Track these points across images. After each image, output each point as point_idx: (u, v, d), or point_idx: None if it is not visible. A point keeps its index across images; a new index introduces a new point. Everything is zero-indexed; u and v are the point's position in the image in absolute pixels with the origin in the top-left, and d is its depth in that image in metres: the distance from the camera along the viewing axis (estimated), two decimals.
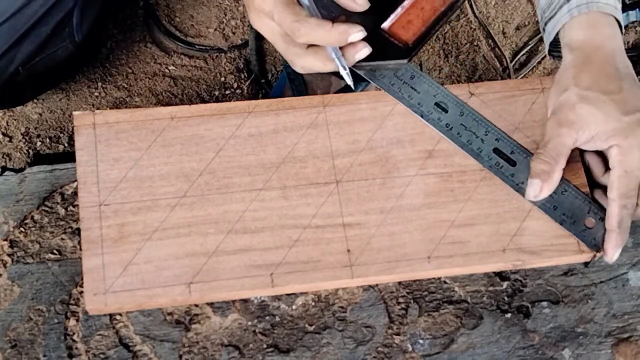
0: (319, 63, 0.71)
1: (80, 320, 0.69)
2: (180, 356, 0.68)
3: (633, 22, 1.50)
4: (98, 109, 1.28)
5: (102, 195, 0.70)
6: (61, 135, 1.27)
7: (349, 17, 0.73)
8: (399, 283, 0.72)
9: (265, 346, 0.69)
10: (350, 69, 0.72)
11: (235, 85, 1.37)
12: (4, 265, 0.70)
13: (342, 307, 0.71)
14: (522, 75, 1.48)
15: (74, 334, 0.68)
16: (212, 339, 0.69)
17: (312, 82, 1.10)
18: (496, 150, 0.74)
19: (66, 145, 1.26)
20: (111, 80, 1.29)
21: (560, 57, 0.77)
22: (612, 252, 0.70)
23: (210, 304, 0.70)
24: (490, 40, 1.50)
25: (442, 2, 0.77)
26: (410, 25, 0.76)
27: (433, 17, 0.76)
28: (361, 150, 0.74)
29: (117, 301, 0.66)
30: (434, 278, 0.73)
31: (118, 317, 0.69)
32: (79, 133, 0.72)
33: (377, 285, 0.72)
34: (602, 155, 0.73)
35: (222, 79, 1.35)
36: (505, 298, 0.73)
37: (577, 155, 0.74)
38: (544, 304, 0.72)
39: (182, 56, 1.36)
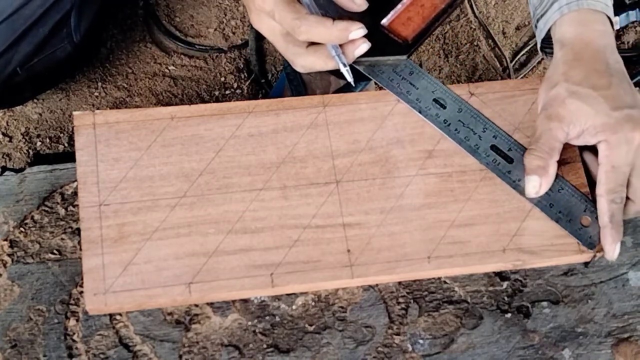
0: (319, 61, 0.71)
1: (80, 320, 0.69)
2: (180, 356, 0.68)
3: (633, 22, 1.50)
4: (98, 109, 1.28)
5: (102, 195, 0.70)
6: (61, 135, 1.27)
7: (346, 13, 0.73)
8: (399, 283, 0.72)
9: (265, 346, 0.69)
10: (350, 66, 0.72)
11: (235, 85, 1.37)
12: (4, 265, 0.70)
13: (342, 307, 0.71)
14: (522, 75, 1.48)
15: (74, 334, 0.68)
16: (212, 339, 0.69)
17: (311, 82, 1.10)
18: (494, 147, 0.74)
19: (66, 145, 1.26)
20: (111, 80, 1.29)
21: (552, 54, 0.77)
22: (610, 249, 0.70)
23: (210, 304, 0.70)
24: (490, 40, 1.50)
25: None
26: (410, 22, 0.76)
27: (433, 14, 0.77)
28: (361, 150, 0.74)
29: (117, 301, 0.66)
30: (434, 278, 0.73)
31: (118, 317, 0.69)
32: (79, 133, 0.72)
33: (377, 285, 0.72)
34: (597, 153, 0.73)
35: (222, 79, 1.35)
36: (505, 298, 0.73)
37: (577, 155, 0.75)
38: (544, 304, 0.72)
39: (182, 56, 1.36)
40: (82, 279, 0.68)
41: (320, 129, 0.74)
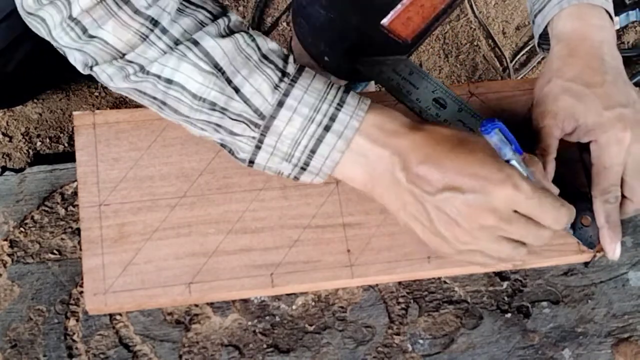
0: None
1: (80, 320, 0.69)
2: (180, 356, 0.68)
3: (633, 22, 1.50)
4: (98, 108, 1.28)
5: (102, 195, 0.69)
6: (61, 135, 1.27)
7: (347, 13, 0.73)
8: (399, 283, 0.72)
9: (265, 346, 0.69)
10: (350, 66, 0.72)
11: None
12: (4, 265, 0.70)
13: (342, 307, 0.71)
14: (522, 75, 1.48)
15: (74, 334, 0.68)
16: (212, 339, 0.69)
17: None
18: None
19: (66, 145, 1.26)
20: None
21: (549, 50, 0.76)
22: (610, 249, 0.70)
23: (210, 304, 0.70)
24: (490, 40, 1.50)
25: (442, 0, 0.77)
26: (409, 22, 0.76)
27: (433, 14, 0.77)
28: None
29: (117, 301, 0.66)
30: (434, 278, 0.73)
31: (118, 317, 0.69)
32: (79, 133, 0.72)
33: (377, 285, 0.72)
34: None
35: None
36: (505, 298, 0.72)
37: (577, 156, 0.74)
38: (544, 304, 0.72)
39: None
40: (82, 279, 0.68)
41: None
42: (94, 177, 0.70)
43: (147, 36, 0.60)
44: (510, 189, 0.60)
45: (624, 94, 0.71)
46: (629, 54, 1.49)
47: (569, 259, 0.73)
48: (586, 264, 0.74)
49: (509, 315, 0.72)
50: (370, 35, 0.72)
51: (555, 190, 0.66)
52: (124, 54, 0.61)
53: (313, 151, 0.63)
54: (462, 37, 1.49)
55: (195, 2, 0.62)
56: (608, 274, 0.74)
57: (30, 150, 1.26)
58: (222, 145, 0.65)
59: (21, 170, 0.74)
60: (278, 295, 0.70)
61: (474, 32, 1.50)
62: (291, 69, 0.63)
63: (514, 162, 0.62)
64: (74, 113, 0.72)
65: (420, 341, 0.70)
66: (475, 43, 1.49)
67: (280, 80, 0.62)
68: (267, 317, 0.70)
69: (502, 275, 0.73)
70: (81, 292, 0.69)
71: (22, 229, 0.72)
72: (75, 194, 0.73)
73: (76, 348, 0.67)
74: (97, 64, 0.62)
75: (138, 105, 0.68)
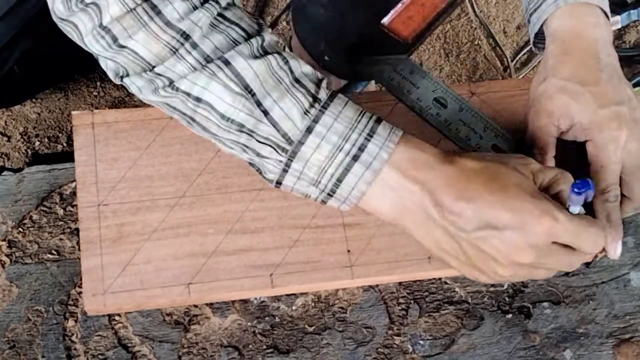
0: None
1: (79, 320, 0.68)
2: (180, 357, 0.68)
3: (634, 21, 1.50)
4: (97, 108, 1.28)
5: (101, 195, 0.69)
6: (60, 135, 1.27)
7: (347, 12, 0.73)
8: (400, 283, 0.72)
9: (264, 347, 0.69)
10: (350, 64, 0.72)
11: None
12: (2, 266, 0.70)
13: (342, 308, 0.71)
14: (523, 75, 1.48)
15: (72, 334, 0.68)
16: (211, 339, 0.69)
17: None
18: (495, 147, 0.73)
19: (65, 145, 1.26)
20: (110, 80, 1.28)
21: (544, 49, 0.76)
22: (611, 248, 0.69)
23: (210, 305, 0.70)
24: (491, 40, 1.50)
25: None
26: (410, 21, 0.76)
27: (433, 13, 0.77)
28: None
29: (116, 302, 0.66)
30: (434, 278, 0.72)
31: (117, 317, 0.69)
32: (78, 133, 0.71)
33: (377, 285, 0.72)
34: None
35: None
36: (506, 298, 0.72)
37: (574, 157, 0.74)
38: (545, 304, 0.72)
39: None
40: (80, 280, 0.68)
41: None
42: (92, 177, 0.70)
43: (177, 50, 0.59)
44: (548, 221, 0.59)
45: (619, 92, 0.71)
46: (630, 53, 1.48)
47: None
48: (587, 264, 0.74)
49: (509, 315, 0.71)
50: (371, 34, 0.72)
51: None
52: (153, 67, 0.60)
53: (340, 180, 0.62)
54: (463, 36, 1.49)
55: (230, 19, 0.61)
56: (610, 274, 0.74)
57: (28, 150, 1.26)
58: (250, 164, 0.64)
59: (19, 170, 0.74)
60: (278, 295, 0.70)
61: (475, 32, 1.50)
62: (323, 94, 0.62)
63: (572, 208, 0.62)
64: (73, 113, 0.72)
65: (421, 342, 0.70)
66: (476, 42, 1.49)
67: (311, 105, 0.61)
68: (267, 318, 0.70)
69: None
70: (80, 293, 0.69)
71: (20, 229, 0.71)
72: (74, 194, 0.73)
73: (75, 349, 0.67)
74: (127, 75, 0.62)
75: (137, 105, 0.68)
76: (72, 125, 0.72)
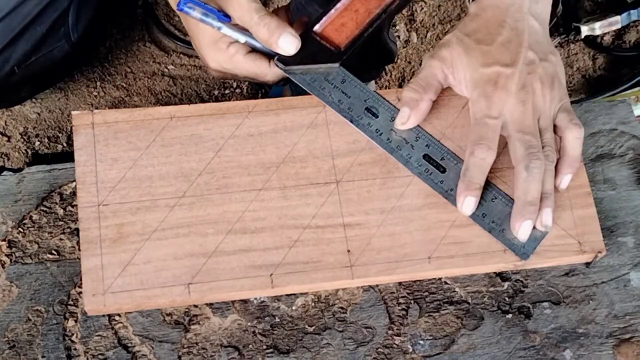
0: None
1: (79, 320, 0.68)
2: (180, 357, 0.68)
3: (634, 21, 1.50)
4: (97, 108, 1.28)
5: (101, 195, 0.69)
6: (60, 135, 1.27)
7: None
8: (400, 283, 0.72)
9: (264, 347, 0.69)
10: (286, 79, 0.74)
11: (234, 84, 1.37)
12: (2, 266, 0.70)
13: (342, 308, 0.71)
14: None
15: (72, 334, 0.68)
16: (211, 339, 0.69)
17: None
18: (426, 157, 0.72)
19: (65, 145, 1.26)
20: (110, 80, 1.28)
21: None
22: (459, 200, 0.70)
23: (210, 305, 0.70)
24: None
25: (377, 4, 0.76)
26: (343, 28, 0.75)
27: (367, 19, 0.76)
28: (361, 150, 0.73)
29: (116, 302, 0.66)
30: (434, 278, 0.72)
31: (117, 317, 0.69)
32: (78, 133, 0.71)
33: (377, 285, 0.72)
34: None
35: None
36: (506, 299, 0.72)
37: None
38: (545, 304, 0.72)
39: (181, 55, 1.36)
40: (80, 280, 0.68)
41: (320, 128, 0.74)
42: (92, 177, 0.70)
43: None
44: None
45: (510, 54, 0.71)
46: (630, 53, 1.48)
47: (570, 259, 0.72)
48: (587, 264, 0.74)
49: (509, 316, 0.71)
50: (302, 42, 0.71)
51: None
52: None
53: None
54: None
55: None
56: (609, 274, 0.74)
57: (28, 150, 1.26)
58: None
59: (19, 170, 0.74)
60: (278, 295, 0.70)
61: None
62: None
63: (225, 30, 0.69)
64: (73, 113, 0.72)
65: (421, 342, 0.70)
66: None
67: None
68: (267, 318, 0.70)
69: (502, 276, 0.73)
70: (80, 293, 0.69)
71: (20, 229, 0.71)
72: (73, 194, 0.73)
73: (75, 349, 0.67)
74: None
75: (137, 105, 0.68)
76: (72, 125, 0.72)
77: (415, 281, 0.72)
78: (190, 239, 0.69)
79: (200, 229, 0.69)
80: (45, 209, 0.73)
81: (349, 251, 0.69)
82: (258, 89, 1.35)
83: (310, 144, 0.73)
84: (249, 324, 0.69)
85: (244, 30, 0.73)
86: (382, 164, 0.73)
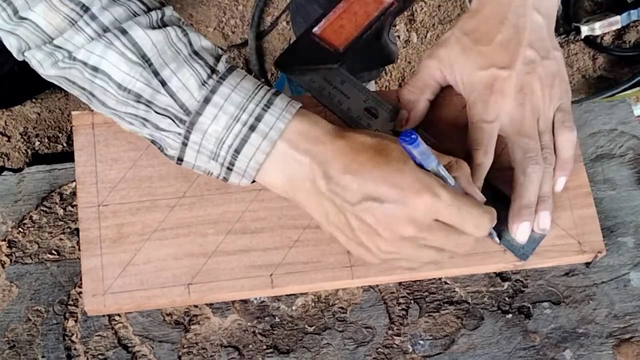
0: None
1: (79, 320, 0.68)
2: (180, 357, 0.67)
3: (634, 21, 1.50)
4: None
5: (101, 195, 0.69)
6: (60, 135, 1.27)
7: None
8: (400, 283, 0.72)
9: (264, 347, 0.69)
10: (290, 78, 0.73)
11: None
12: (2, 266, 0.70)
13: (342, 308, 0.71)
14: None
15: (72, 334, 0.68)
16: (211, 339, 0.69)
17: None
18: None
19: (65, 145, 1.26)
20: None
21: None
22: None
23: (210, 305, 0.70)
24: None
25: (376, 7, 0.76)
26: (342, 30, 0.75)
27: (366, 21, 0.75)
28: None
29: (116, 302, 0.66)
30: (434, 278, 0.72)
31: (117, 317, 0.69)
32: (78, 133, 0.71)
33: (377, 285, 0.72)
34: None
35: None
36: (506, 299, 0.72)
37: (579, 155, 0.74)
38: (545, 304, 0.72)
39: None
40: (80, 280, 0.68)
41: None
42: (92, 178, 0.70)
43: (75, 21, 0.60)
44: (429, 197, 0.59)
45: (509, 56, 0.70)
46: (630, 53, 1.48)
47: (570, 259, 0.72)
48: (587, 264, 0.74)
49: (509, 316, 0.71)
50: (301, 43, 0.71)
51: (480, 197, 0.65)
52: (52, 39, 0.61)
53: (237, 151, 0.62)
54: None
55: None
56: (609, 274, 0.74)
57: (28, 150, 1.26)
58: (152, 142, 0.65)
59: (19, 170, 0.74)
60: (278, 295, 0.70)
61: None
62: (222, 67, 0.63)
63: (439, 170, 0.61)
64: (73, 113, 0.72)
65: (421, 342, 0.70)
66: None
67: (209, 77, 0.62)
68: (267, 318, 0.70)
69: (503, 276, 0.73)
70: (80, 293, 0.69)
71: (20, 229, 0.71)
72: (73, 194, 0.73)
73: (75, 349, 0.67)
74: (29, 48, 0.62)
75: None
76: (72, 126, 0.72)
77: (415, 281, 0.72)
78: (190, 239, 0.69)
79: (200, 229, 0.69)
80: (45, 209, 0.73)
81: (348, 251, 0.69)
82: None
83: None
84: (249, 324, 0.69)
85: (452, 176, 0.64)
86: None
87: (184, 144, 0.63)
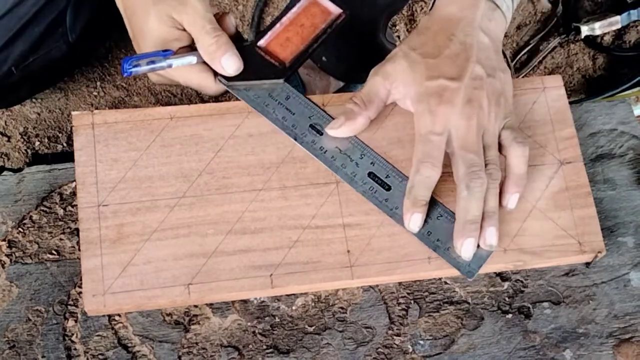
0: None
1: (79, 320, 0.68)
2: (180, 357, 0.68)
3: (634, 22, 1.49)
4: (97, 108, 1.28)
5: (101, 195, 0.69)
6: (60, 135, 1.27)
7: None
8: (400, 284, 0.72)
9: (264, 347, 0.69)
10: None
11: None
12: (2, 266, 0.70)
13: (342, 308, 0.71)
14: (523, 75, 1.48)
15: (72, 334, 0.68)
16: (211, 339, 0.69)
17: (310, 82, 1.10)
18: (371, 174, 0.71)
19: (65, 145, 1.26)
20: (110, 80, 1.28)
21: None
22: (406, 218, 0.69)
23: (210, 305, 0.70)
24: None
25: (323, 18, 0.75)
26: (288, 43, 0.73)
27: (313, 34, 0.74)
28: None
29: (116, 302, 0.66)
30: (434, 278, 0.72)
31: (117, 317, 0.69)
32: (78, 133, 0.71)
33: (377, 285, 0.72)
34: None
35: None
36: (506, 299, 0.72)
37: (579, 155, 0.74)
38: (545, 304, 0.72)
39: None
40: (80, 280, 0.68)
41: None
42: (92, 178, 0.70)
43: None
44: None
45: (457, 69, 0.70)
46: (630, 53, 1.48)
47: (570, 260, 0.72)
48: (587, 264, 0.74)
49: (509, 316, 0.71)
50: (246, 57, 0.70)
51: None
52: None
53: None
54: None
55: None
56: (609, 274, 0.74)
57: (28, 150, 1.26)
58: None
59: (19, 170, 0.74)
60: (278, 296, 0.70)
61: None
62: None
63: (175, 63, 0.68)
64: (73, 113, 0.72)
65: (421, 342, 0.70)
66: None
67: None
68: (267, 318, 0.70)
69: (502, 276, 0.73)
70: (80, 293, 0.69)
71: (20, 229, 0.71)
72: (73, 194, 0.73)
73: (75, 349, 0.67)
74: None
75: (137, 105, 0.68)
76: (72, 126, 0.72)
77: (415, 281, 0.72)
78: (190, 239, 0.69)
79: (200, 230, 0.69)
80: (45, 209, 0.73)
81: (348, 251, 0.69)
82: None
83: None
84: (249, 324, 0.69)
85: (190, 52, 0.71)
86: None
87: None
